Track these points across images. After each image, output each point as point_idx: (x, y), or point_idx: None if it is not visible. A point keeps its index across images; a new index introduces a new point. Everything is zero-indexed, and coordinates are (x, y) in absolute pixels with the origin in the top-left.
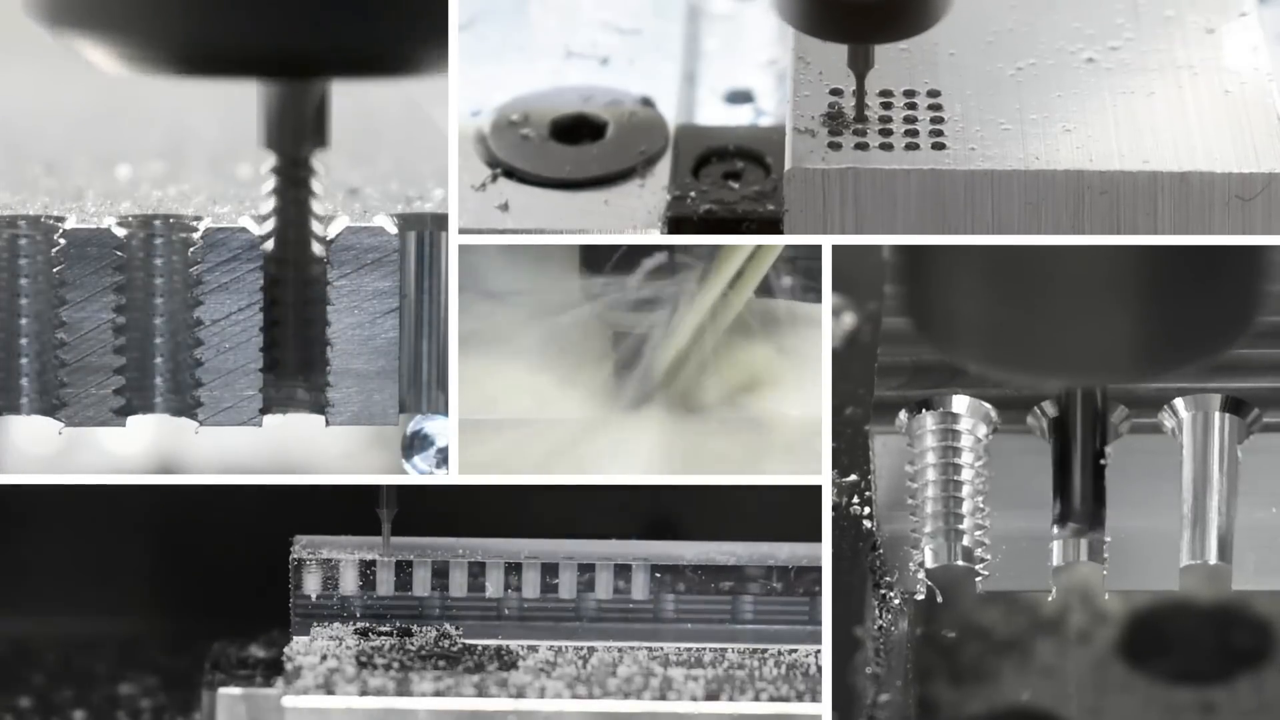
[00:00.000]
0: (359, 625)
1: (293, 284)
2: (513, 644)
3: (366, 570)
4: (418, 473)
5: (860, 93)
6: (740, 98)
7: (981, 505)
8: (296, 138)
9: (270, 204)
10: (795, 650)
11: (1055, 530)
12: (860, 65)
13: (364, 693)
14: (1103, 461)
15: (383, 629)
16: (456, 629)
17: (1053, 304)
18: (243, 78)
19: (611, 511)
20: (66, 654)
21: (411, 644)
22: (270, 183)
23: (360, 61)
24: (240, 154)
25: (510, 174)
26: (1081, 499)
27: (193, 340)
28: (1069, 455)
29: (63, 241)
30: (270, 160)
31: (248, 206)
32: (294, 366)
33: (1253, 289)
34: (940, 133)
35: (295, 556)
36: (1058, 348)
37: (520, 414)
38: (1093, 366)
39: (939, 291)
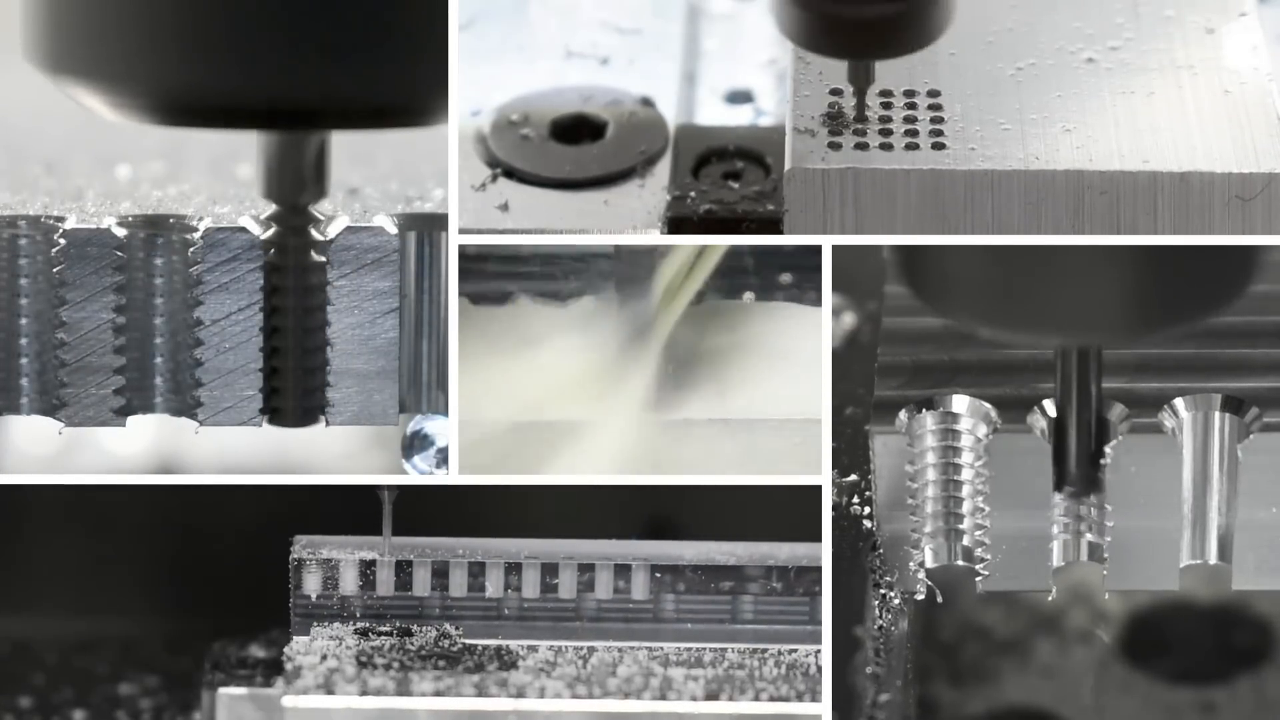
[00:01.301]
0: (359, 625)
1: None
2: (513, 644)
3: (366, 570)
4: (418, 473)
5: (860, 105)
6: (740, 98)
7: (981, 505)
8: (296, 188)
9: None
10: (795, 650)
11: (1055, 496)
12: (861, 80)
13: (364, 693)
14: (1102, 461)
15: (383, 629)
16: (456, 629)
17: (1050, 262)
18: (241, 129)
19: (611, 511)
20: (66, 654)
21: (411, 644)
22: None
23: (358, 113)
24: (240, 154)
25: (510, 174)
26: (1078, 463)
27: (193, 340)
28: (1065, 416)
29: (63, 241)
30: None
31: (248, 206)
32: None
33: (1250, 251)
34: (940, 133)
35: (295, 556)
36: (1055, 306)
37: (520, 414)
38: (1089, 325)
39: (935, 253)
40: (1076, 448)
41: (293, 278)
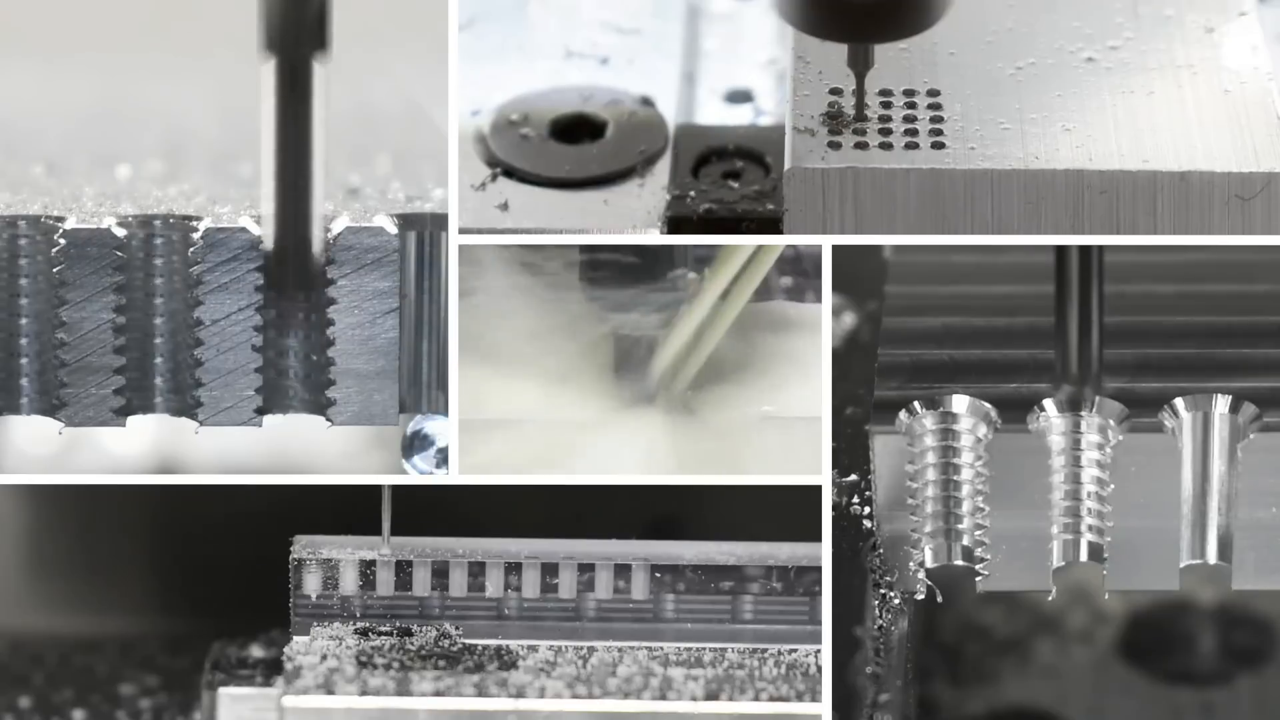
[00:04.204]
0: (359, 625)
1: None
2: (513, 644)
3: (366, 570)
4: (418, 473)
5: (860, 92)
6: (740, 97)
7: (981, 505)
8: (297, 39)
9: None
10: (795, 650)
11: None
12: (860, 65)
13: (364, 693)
14: (1102, 461)
15: (383, 629)
16: (456, 629)
17: None
18: None
19: (611, 511)
20: (66, 654)
21: (411, 644)
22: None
23: None
24: (240, 154)
25: (510, 174)
26: (1078, 362)
27: (193, 340)
28: (1066, 307)
29: (63, 241)
30: (271, 66)
31: (248, 206)
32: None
33: None
34: (940, 132)
35: (295, 556)
36: None
37: (520, 414)
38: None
39: None
40: (1078, 357)
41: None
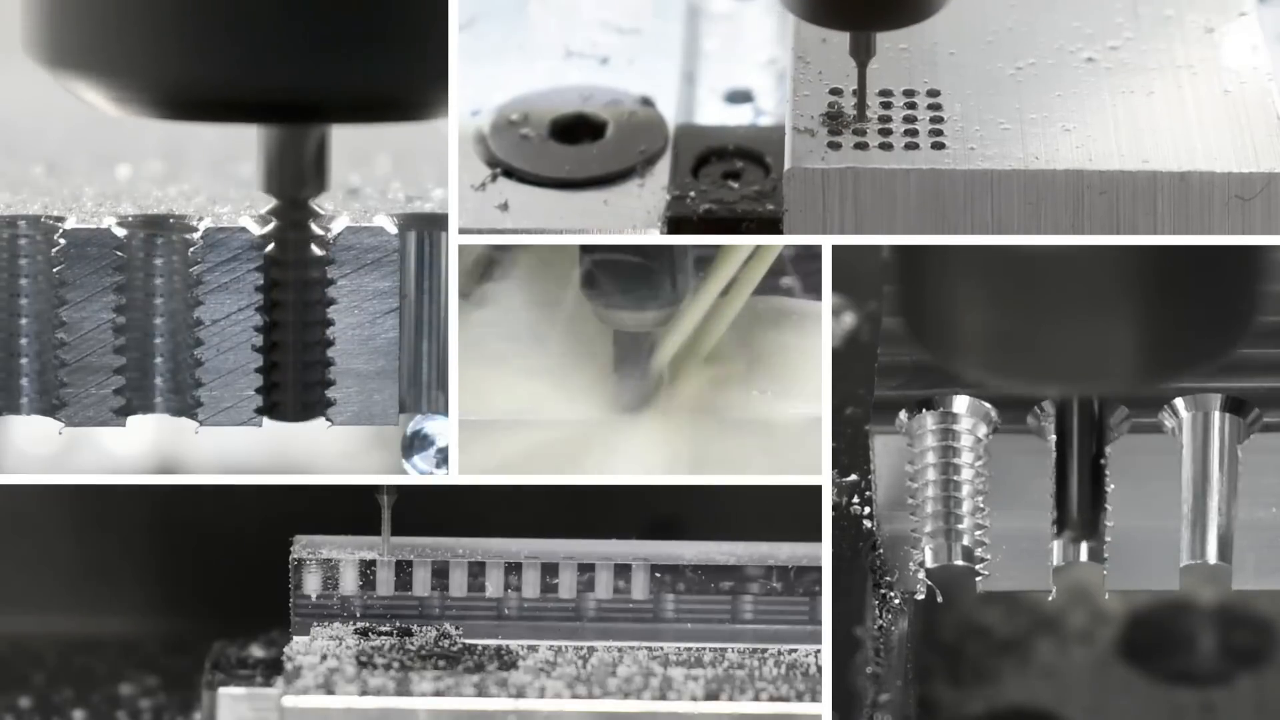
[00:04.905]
0: (359, 625)
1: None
2: (513, 644)
3: (366, 570)
4: (418, 473)
5: (862, 82)
6: (740, 97)
7: (981, 505)
8: (296, 182)
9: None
10: (795, 650)
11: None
12: (862, 54)
13: (364, 693)
14: (1102, 460)
15: (383, 629)
16: (456, 629)
17: (1050, 309)
18: (241, 122)
19: (611, 511)
20: (66, 654)
21: (411, 644)
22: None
23: (360, 106)
24: (240, 154)
25: (510, 174)
26: (1079, 506)
27: (193, 340)
28: (1067, 460)
29: (63, 241)
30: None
31: (248, 206)
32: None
33: (1251, 289)
34: (940, 132)
35: (295, 556)
36: (1055, 354)
37: (519, 414)
38: (1091, 373)
39: (934, 296)
40: (1078, 492)
41: (293, 272)
